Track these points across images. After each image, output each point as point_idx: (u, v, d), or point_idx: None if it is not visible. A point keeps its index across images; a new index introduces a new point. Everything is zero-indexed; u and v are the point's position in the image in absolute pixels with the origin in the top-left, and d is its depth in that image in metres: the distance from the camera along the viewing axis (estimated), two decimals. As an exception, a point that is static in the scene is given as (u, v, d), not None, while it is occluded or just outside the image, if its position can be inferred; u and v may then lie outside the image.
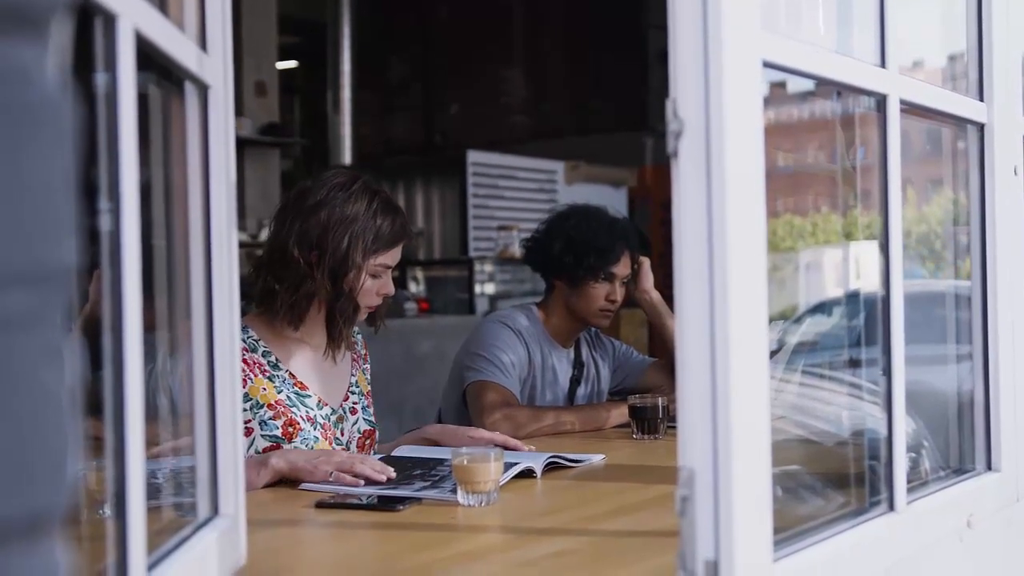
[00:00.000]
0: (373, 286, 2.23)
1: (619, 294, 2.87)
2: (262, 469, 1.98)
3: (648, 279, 2.98)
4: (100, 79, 0.92)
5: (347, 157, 8.47)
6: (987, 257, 1.75)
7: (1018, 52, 1.80)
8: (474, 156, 8.38)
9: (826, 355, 2.08)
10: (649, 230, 6.81)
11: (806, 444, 1.75)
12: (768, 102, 1.20)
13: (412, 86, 10.27)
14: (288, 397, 2.20)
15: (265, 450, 2.14)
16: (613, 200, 7.45)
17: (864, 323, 1.70)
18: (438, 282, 7.75)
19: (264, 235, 6.46)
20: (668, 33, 1.11)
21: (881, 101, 1.45)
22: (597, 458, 2.25)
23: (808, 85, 1.51)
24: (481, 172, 8.40)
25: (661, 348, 3.27)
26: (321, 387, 2.27)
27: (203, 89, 1.26)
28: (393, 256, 2.25)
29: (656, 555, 1.48)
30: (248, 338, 2.20)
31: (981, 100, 1.74)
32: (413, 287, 7.54)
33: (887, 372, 1.46)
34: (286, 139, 8.10)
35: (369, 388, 2.43)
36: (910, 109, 1.51)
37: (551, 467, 2.12)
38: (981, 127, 1.75)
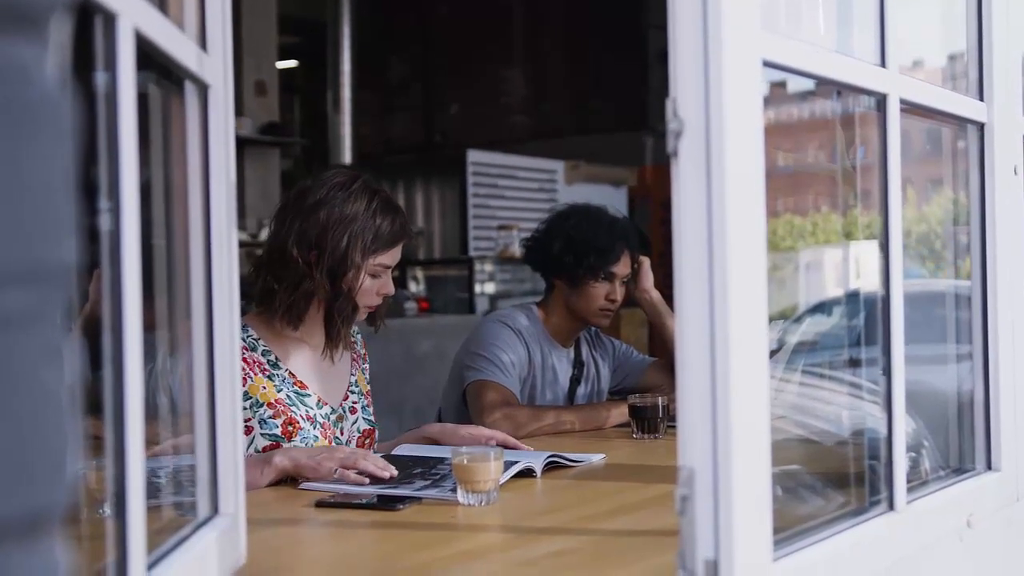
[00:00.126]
0: (372, 286, 2.23)
1: (619, 294, 2.87)
2: (265, 467, 1.98)
3: (648, 278, 2.98)
4: (100, 78, 0.92)
5: (347, 157, 8.47)
6: (987, 257, 1.75)
7: (1018, 52, 1.80)
8: (474, 156, 8.38)
9: (826, 355, 2.08)
10: (649, 230, 6.81)
11: (806, 444, 1.75)
12: (768, 102, 1.20)
13: (412, 86, 10.27)
14: (288, 396, 2.20)
15: (265, 449, 2.14)
16: (613, 200, 7.45)
17: (864, 323, 1.70)
18: (438, 281, 7.75)
19: (264, 234, 6.46)
20: (668, 33, 1.11)
21: (881, 101, 1.45)
22: (597, 458, 2.25)
23: (808, 85, 1.51)
24: (481, 172, 8.40)
25: (661, 348, 3.27)
26: (321, 386, 2.27)
27: (203, 88, 1.26)
28: (393, 256, 2.25)
29: (656, 554, 1.48)
30: (248, 337, 2.20)
31: (981, 100, 1.74)
32: (413, 286, 7.54)
33: (887, 372, 1.46)
34: (286, 139, 8.10)
35: (368, 388, 2.43)
36: (910, 109, 1.51)
37: (551, 466, 2.12)
38: (981, 127, 1.75)
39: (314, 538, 1.71)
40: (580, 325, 2.94)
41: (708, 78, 1.09)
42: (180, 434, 1.33)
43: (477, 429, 2.32)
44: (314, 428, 2.21)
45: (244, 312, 2.18)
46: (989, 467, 1.75)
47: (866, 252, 1.66)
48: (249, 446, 2.14)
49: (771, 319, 1.18)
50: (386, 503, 1.80)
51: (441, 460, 2.07)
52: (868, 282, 1.64)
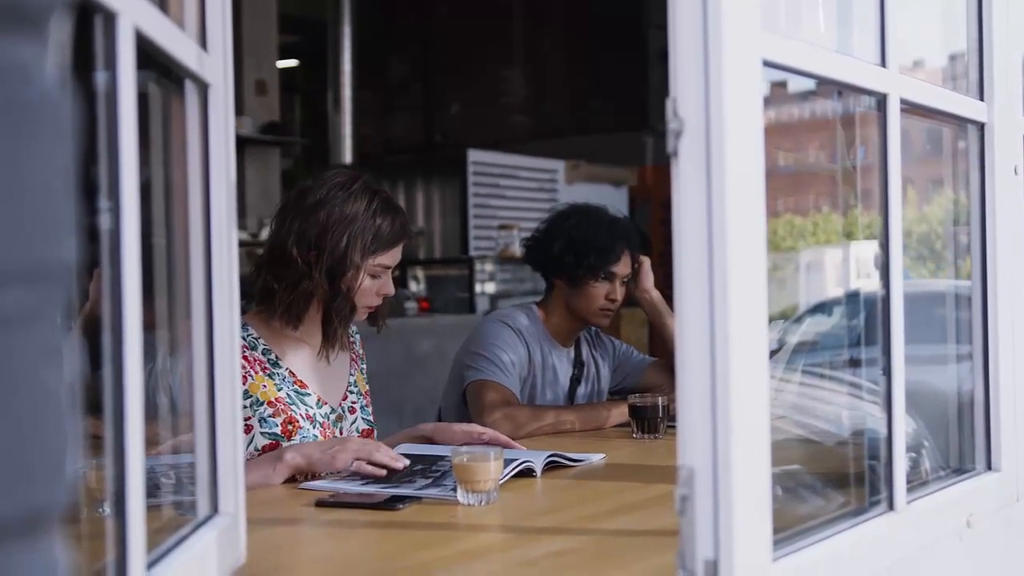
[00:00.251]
0: (372, 286, 2.23)
1: (619, 293, 2.87)
2: (277, 464, 1.99)
3: (648, 278, 2.98)
4: (100, 77, 0.92)
5: (347, 156, 8.47)
6: (987, 257, 1.74)
7: (1018, 52, 1.80)
8: (474, 155, 8.38)
9: (826, 355, 2.08)
10: (649, 229, 6.81)
11: (806, 444, 1.75)
12: (769, 102, 1.20)
13: (412, 86, 10.27)
14: (288, 395, 2.20)
15: (265, 447, 2.14)
16: (614, 199, 7.45)
17: (864, 323, 1.70)
18: (438, 281, 7.75)
19: (264, 234, 6.47)
20: (668, 33, 1.11)
21: (881, 100, 1.45)
22: (597, 457, 2.25)
23: (809, 84, 1.51)
24: (482, 171, 8.40)
25: (661, 347, 3.27)
26: (320, 386, 2.27)
27: (203, 88, 1.26)
28: (393, 256, 2.25)
29: (656, 554, 1.48)
30: (248, 336, 2.20)
31: (981, 100, 1.74)
32: (413, 286, 7.54)
33: (887, 372, 1.46)
34: (286, 138, 8.10)
35: (367, 388, 2.43)
36: (910, 109, 1.51)
37: (551, 466, 2.12)
38: (981, 127, 1.75)
39: (314, 538, 1.71)
40: (580, 325, 2.94)
41: (708, 78, 1.09)
42: (180, 434, 1.33)
43: (470, 427, 2.32)
44: (313, 427, 2.22)
45: (244, 311, 2.18)
46: (989, 467, 1.75)
47: (867, 252, 1.66)
48: (249, 445, 2.14)
49: (771, 319, 1.18)
50: (386, 503, 1.80)
51: (441, 458, 2.07)
52: (868, 282, 1.64)
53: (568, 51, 9.51)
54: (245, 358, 2.16)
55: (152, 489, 1.05)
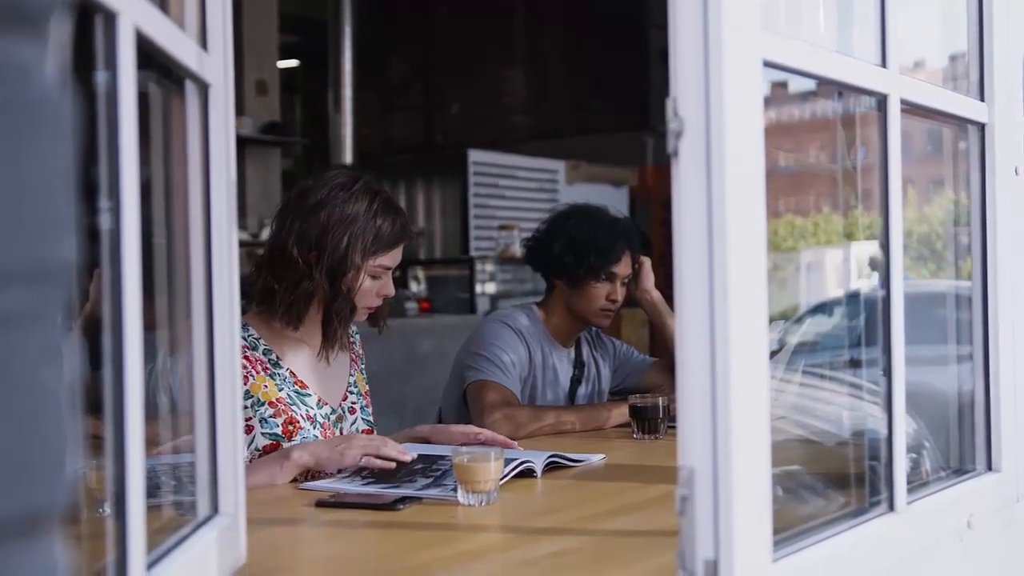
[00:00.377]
0: (373, 287, 2.23)
1: (620, 294, 2.87)
2: (284, 463, 2.00)
3: (649, 279, 2.98)
4: (100, 77, 0.92)
5: (348, 156, 8.47)
6: (988, 257, 1.74)
7: (1019, 52, 1.80)
8: (475, 155, 8.39)
9: (827, 355, 2.08)
10: (650, 230, 6.81)
11: (807, 444, 1.75)
12: (769, 102, 1.20)
13: (413, 85, 10.27)
14: (289, 395, 2.20)
15: (265, 448, 2.14)
16: (614, 200, 7.45)
17: (865, 323, 1.70)
18: (439, 281, 7.75)
19: (265, 234, 6.46)
20: (668, 33, 1.11)
21: (882, 101, 1.45)
22: (597, 458, 2.25)
23: (809, 85, 1.51)
24: (482, 172, 8.41)
25: (662, 348, 3.27)
26: (320, 386, 2.27)
27: (203, 88, 1.26)
28: (393, 257, 2.25)
29: (656, 555, 1.48)
30: (248, 336, 2.20)
31: (982, 100, 1.74)
32: (414, 286, 7.54)
33: (887, 372, 1.46)
34: (287, 138, 8.10)
35: (367, 388, 2.43)
36: (911, 109, 1.51)
37: (551, 467, 2.12)
38: (982, 127, 1.75)
39: (314, 538, 1.71)
40: (581, 325, 2.94)
41: (708, 78, 1.09)
42: (180, 433, 1.33)
43: (467, 428, 2.32)
44: (314, 428, 2.22)
45: (244, 311, 2.18)
46: (989, 468, 1.75)
47: (867, 253, 1.66)
48: (250, 445, 2.14)
49: (772, 319, 1.18)
50: (386, 503, 1.80)
51: (441, 458, 2.07)
52: (868, 283, 1.64)
53: (568, 51, 9.51)
54: (246, 358, 2.16)
55: (152, 489, 1.05)
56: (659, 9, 1.19)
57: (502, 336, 2.80)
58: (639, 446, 2.50)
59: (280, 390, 2.20)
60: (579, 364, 2.99)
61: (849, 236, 1.91)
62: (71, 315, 0.70)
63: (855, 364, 1.82)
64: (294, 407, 2.20)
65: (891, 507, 1.45)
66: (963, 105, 1.71)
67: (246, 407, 2.13)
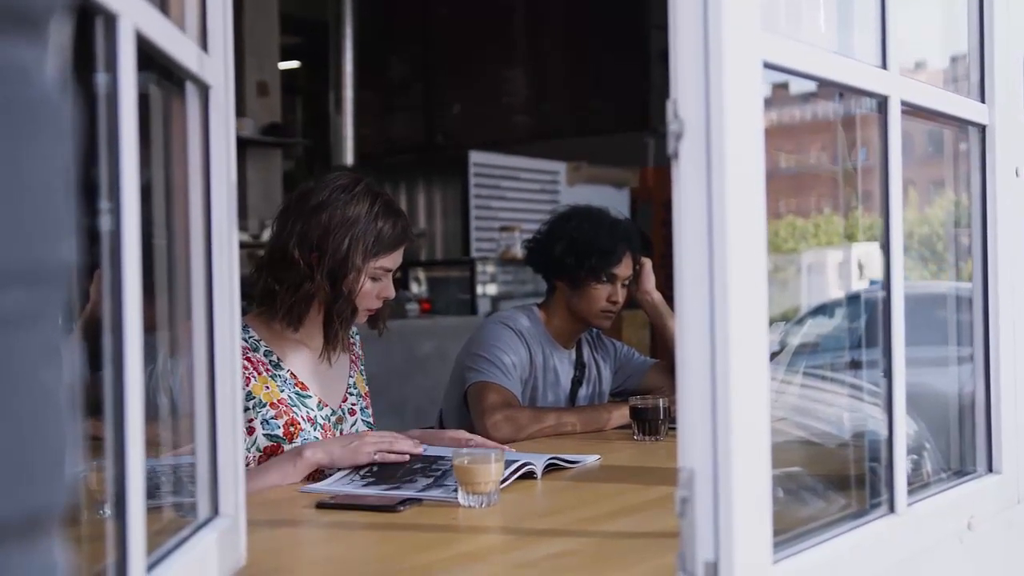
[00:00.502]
0: (373, 289, 2.23)
1: (621, 295, 2.87)
2: (298, 461, 2.02)
3: (650, 280, 2.98)
4: (101, 79, 0.92)
5: (349, 157, 8.47)
6: (988, 258, 1.74)
7: (1019, 53, 1.80)
8: (476, 157, 8.39)
9: (828, 356, 2.08)
10: (651, 231, 6.81)
11: (807, 446, 1.75)
12: (770, 103, 1.20)
13: (413, 86, 10.28)
14: (290, 397, 2.21)
15: (266, 449, 2.14)
16: (615, 201, 7.45)
17: (865, 325, 1.70)
18: (440, 283, 7.75)
19: (266, 235, 6.47)
20: (668, 33, 1.11)
21: (882, 102, 1.45)
22: (592, 459, 2.25)
23: (810, 86, 1.51)
24: (483, 173, 8.41)
25: (663, 349, 3.27)
26: (321, 388, 2.28)
27: (204, 89, 1.26)
28: (393, 259, 2.25)
29: (656, 556, 1.48)
30: (249, 338, 2.21)
31: (983, 102, 1.74)
32: (415, 288, 7.54)
33: (888, 374, 1.46)
34: (288, 139, 8.11)
35: (367, 389, 2.43)
36: (911, 111, 1.51)
37: (547, 468, 2.12)
38: (982, 128, 1.75)
39: (314, 539, 1.71)
40: (581, 327, 2.94)
41: (708, 79, 1.09)
42: (181, 435, 1.33)
43: (457, 433, 2.33)
44: (314, 429, 2.22)
45: (245, 312, 2.19)
46: (990, 469, 1.75)
47: (868, 254, 1.66)
48: (251, 446, 2.14)
49: (773, 321, 1.18)
50: (386, 504, 1.80)
51: (439, 458, 2.08)
52: (859, 285, 1.64)
53: (569, 51, 9.51)
54: (248, 359, 2.16)
55: (152, 491, 1.05)
56: (660, 9, 1.19)
57: (503, 337, 2.80)
58: (639, 447, 2.50)
59: (281, 391, 2.20)
60: (580, 365, 2.99)
61: (850, 237, 1.91)
62: (71, 316, 0.70)
63: (856, 365, 1.82)
64: (295, 409, 2.20)
65: (891, 509, 1.45)
66: (963, 106, 1.71)
67: (248, 408, 2.14)
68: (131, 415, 0.93)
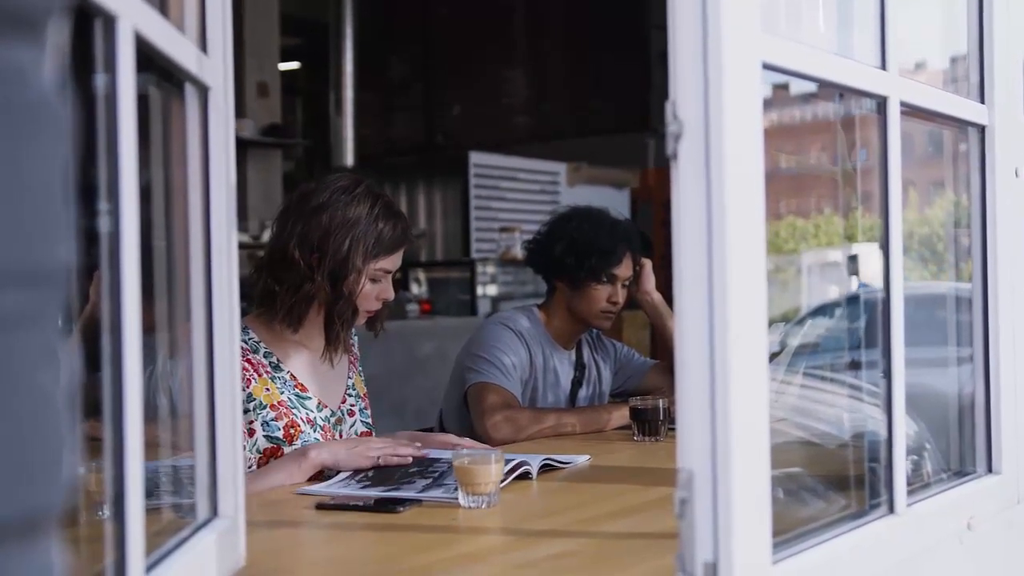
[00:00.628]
0: (373, 290, 2.24)
1: (621, 296, 2.87)
2: (303, 461, 2.03)
3: (650, 281, 2.98)
4: (100, 80, 0.92)
5: (349, 158, 8.47)
6: (988, 259, 1.74)
7: (1019, 54, 1.80)
8: (476, 157, 8.39)
9: (828, 357, 2.08)
10: (651, 232, 6.81)
11: (807, 446, 1.75)
12: (770, 104, 1.20)
13: (413, 86, 10.28)
14: (289, 399, 2.21)
15: (267, 451, 2.14)
16: (615, 202, 7.45)
17: (865, 325, 1.70)
18: (440, 283, 7.75)
19: (266, 236, 6.47)
20: (668, 34, 1.11)
21: (881, 103, 1.45)
22: (582, 459, 2.26)
23: (811, 87, 1.51)
24: (483, 173, 8.41)
25: (663, 350, 3.27)
26: (320, 389, 2.28)
27: (203, 91, 1.26)
28: (393, 261, 2.25)
29: (656, 557, 1.48)
30: (249, 339, 2.21)
31: (982, 102, 1.74)
32: (415, 288, 7.54)
33: (887, 374, 1.45)
34: (288, 140, 8.11)
35: (365, 390, 2.43)
36: (911, 111, 1.51)
37: (542, 469, 2.13)
38: (982, 129, 1.75)
39: (314, 540, 1.71)
40: (582, 327, 2.94)
41: (708, 80, 1.09)
42: (180, 436, 1.33)
43: (446, 437, 2.35)
44: (314, 431, 2.22)
45: (244, 314, 2.19)
46: (990, 470, 1.75)
47: (868, 255, 1.66)
48: (251, 448, 2.14)
49: (773, 321, 1.18)
50: (386, 505, 1.80)
51: (437, 460, 2.08)
52: (870, 284, 1.64)
53: (569, 51, 9.51)
54: (248, 361, 2.17)
55: (151, 492, 1.05)
56: (660, 9, 1.19)
57: (503, 338, 2.80)
58: (639, 448, 2.50)
59: (281, 393, 2.20)
60: (580, 366, 2.99)
61: (850, 238, 1.90)
62: (70, 317, 0.70)
63: (856, 366, 1.82)
64: (295, 411, 2.20)
65: (891, 509, 1.45)
66: (963, 107, 1.71)
67: (248, 410, 2.14)
68: (130, 416, 0.93)
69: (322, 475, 2.04)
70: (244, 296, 1.42)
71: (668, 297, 2.35)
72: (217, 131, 1.28)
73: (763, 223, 1.14)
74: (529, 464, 2.05)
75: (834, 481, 1.64)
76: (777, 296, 1.25)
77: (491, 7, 9.57)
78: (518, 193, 8.53)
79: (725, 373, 1.08)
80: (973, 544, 1.64)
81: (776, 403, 1.23)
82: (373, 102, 9.78)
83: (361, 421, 2.36)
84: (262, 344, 2.22)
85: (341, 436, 2.29)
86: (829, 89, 1.54)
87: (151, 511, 1.00)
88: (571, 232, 2.87)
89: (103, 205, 0.92)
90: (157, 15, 1.05)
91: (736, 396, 1.08)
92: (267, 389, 2.18)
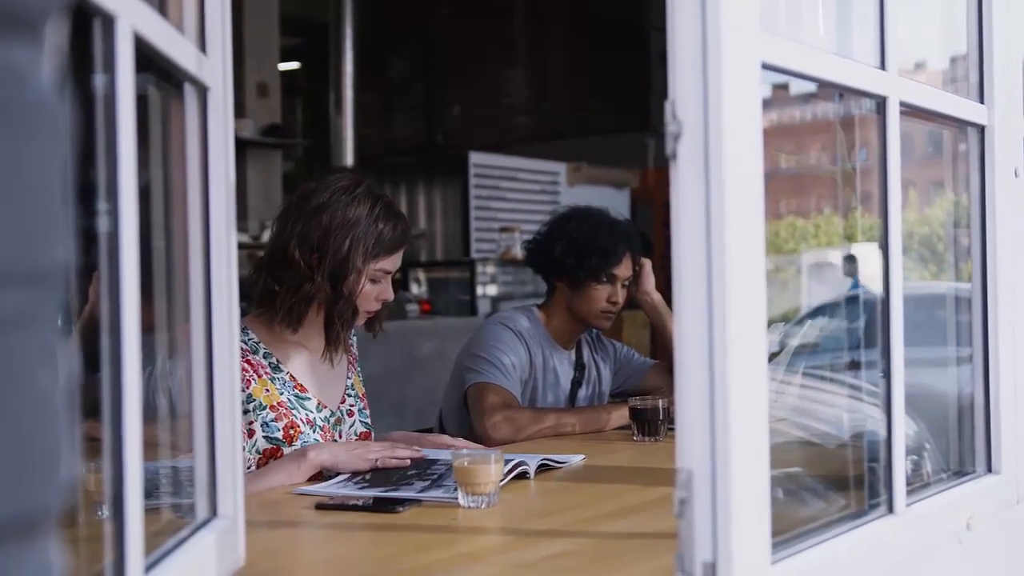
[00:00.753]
0: (372, 291, 2.24)
1: (620, 296, 2.87)
2: (302, 461, 2.03)
3: (649, 281, 2.98)
4: (99, 80, 0.92)
5: (349, 158, 8.47)
6: (987, 259, 1.74)
7: (1019, 54, 1.80)
8: (476, 157, 8.39)
9: (827, 357, 2.08)
10: (651, 232, 6.81)
11: (807, 446, 1.75)
12: (770, 104, 1.20)
13: (413, 86, 10.29)
14: (289, 399, 2.21)
15: (266, 451, 2.14)
16: (615, 202, 7.46)
17: (865, 325, 1.70)
18: (440, 283, 7.75)
19: (266, 236, 6.47)
20: (667, 34, 1.11)
21: (881, 103, 1.45)
22: (577, 459, 2.26)
23: (810, 87, 1.51)
24: (483, 173, 8.41)
25: (663, 350, 3.27)
26: (319, 390, 2.28)
27: (202, 91, 1.26)
28: (393, 262, 2.25)
29: (655, 557, 1.48)
30: (249, 340, 2.21)
31: (982, 102, 1.74)
32: (415, 288, 7.54)
33: (887, 374, 1.45)
34: (288, 140, 8.11)
35: (364, 390, 2.43)
36: (910, 111, 1.51)
37: (539, 469, 2.13)
38: (982, 129, 1.75)
39: (313, 540, 1.71)
40: (581, 327, 2.94)
41: (707, 80, 1.09)
42: (179, 436, 1.33)
43: (439, 438, 2.36)
44: (313, 431, 2.22)
45: (243, 314, 2.19)
46: (989, 470, 1.75)
47: (868, 254, 1.66)
48: (251, 449, 2.14)
49: (773, 321, 1.18)
50: (386, 505, 1.80)
51: (435, 461, 2.08)
52: (869, 284, 1.64)
53: (569, 51, 9.52)
54: (248, 362, 2.17)
55: (151, 492, 1.05)
56: (660, 10, 1.19)
57: (503, 338, 2.80)
58: (639, 448, 2.50)
59: (281, 394, 2.20)
60: (580, 366, 2.99)
61: (850, 238, 1.90)
62: (70, 317, 0.70)
63: (855, 366, 1.82)
64: (294, 411, 2.20)
65: (890, 509, 1.45)
66: (963, 107, 1.71)
67: (248, 411, 2.14)
68: (129, 416, 0.93)
69: (321, 476, 2.04)
70: (244, 296, 1.42)
71: (668, 297, 2.35)
72: (216, 131, 1.28)
73: (762, 223, 1.14)
74: (527, 464, 2.05)
75: (833, 481, 1.64)
76: (777, 296, 1.25)
77: (491, 7, 9.58)
78: (518, 193, 8.53)
79: (724, 373, 1.08)
80: (972, 544, 1.64)
81: (776, 403, 1.23)
82: (373, 102, 9.78)
83: (360, 421, 2.36)
84: (262, 345, 2.22)
85: (340, 436, 2.29)
86: (829, 89, 1.54)
87: (150, 511, 1.00)
88: (571, 232, 2.87)
89: (102, 205, 0.92)
90: (156, 15, 1.05)
91: (735, 396, 1.08)
92: (267, 390, 2.18)
